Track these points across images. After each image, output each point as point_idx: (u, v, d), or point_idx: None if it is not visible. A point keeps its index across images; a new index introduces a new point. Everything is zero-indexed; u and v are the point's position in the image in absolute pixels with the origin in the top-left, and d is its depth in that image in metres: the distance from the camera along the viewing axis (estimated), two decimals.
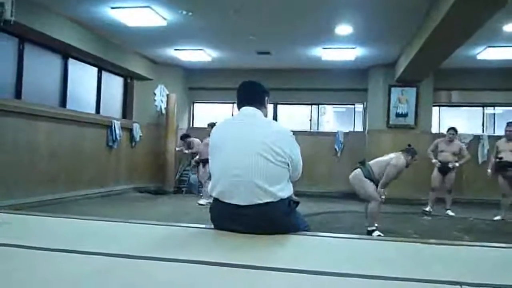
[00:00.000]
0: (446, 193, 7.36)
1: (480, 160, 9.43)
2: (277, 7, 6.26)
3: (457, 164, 7.24)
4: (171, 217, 6.42)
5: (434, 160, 7.39)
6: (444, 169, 7.26)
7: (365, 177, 5.29)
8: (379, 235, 5.09)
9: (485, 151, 9.50)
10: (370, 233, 5.23)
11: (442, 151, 7.35)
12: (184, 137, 9.18)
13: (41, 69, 7.34)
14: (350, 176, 5.48)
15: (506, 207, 6.73)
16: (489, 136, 9.66)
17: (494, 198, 7.49)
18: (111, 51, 8.40)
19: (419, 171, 8.62)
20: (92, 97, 8.84)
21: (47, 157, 7.11)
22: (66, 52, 7.76)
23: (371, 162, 5.45)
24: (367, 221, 5.44)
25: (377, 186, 5.32)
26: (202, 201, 7.73)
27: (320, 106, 11.12)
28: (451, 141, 7.32)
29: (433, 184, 7.40)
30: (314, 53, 8.73)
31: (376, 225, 5.35)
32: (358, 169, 5.41)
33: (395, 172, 5.32)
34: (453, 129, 7.38)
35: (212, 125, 9.16)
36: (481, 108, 10.34)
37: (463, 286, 1.43)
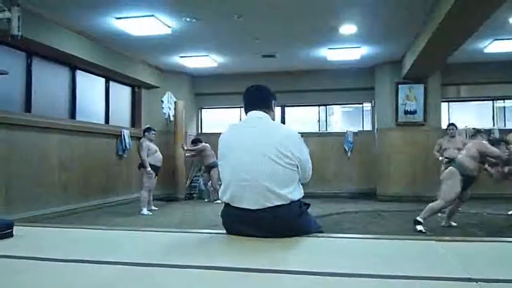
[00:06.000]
0: None
1: None
2: (280, 10, 6.27)
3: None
4: (183, 223, 6.44)
5: (440, 158, 7.33)
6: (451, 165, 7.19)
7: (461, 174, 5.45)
8: (420, 230, 5.22)
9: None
10: (416, 223, 5.36)
11: (446, 149, 7.29)
12: (197, 141, 9.29)
13: (50, 82, 7.42)
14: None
15: None
16: (500, 130, 9.57)
17: (508, 193, 7.39)
18: (118, 61, 8.46)
19: (429, 169, 8.57)
20: (100, 107, 8.91)
21: (58, 168, 7.17)
22: (73, 64, 7.83)
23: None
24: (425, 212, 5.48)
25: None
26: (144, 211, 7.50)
27: (327, 106, 11.10)
28: (452, 136, 7.29)
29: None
30: (319, 54, 8.72)
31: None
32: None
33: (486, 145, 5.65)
34: (452, 125, 7.35)
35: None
36: (490, 101, 10.24)
37: (479, 283, 1.41)
